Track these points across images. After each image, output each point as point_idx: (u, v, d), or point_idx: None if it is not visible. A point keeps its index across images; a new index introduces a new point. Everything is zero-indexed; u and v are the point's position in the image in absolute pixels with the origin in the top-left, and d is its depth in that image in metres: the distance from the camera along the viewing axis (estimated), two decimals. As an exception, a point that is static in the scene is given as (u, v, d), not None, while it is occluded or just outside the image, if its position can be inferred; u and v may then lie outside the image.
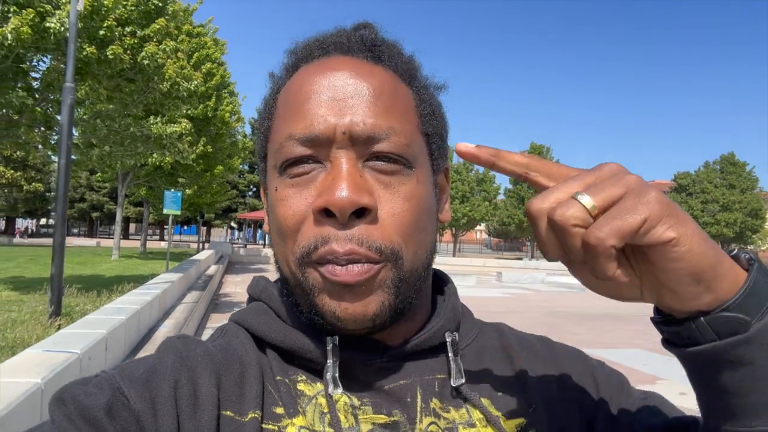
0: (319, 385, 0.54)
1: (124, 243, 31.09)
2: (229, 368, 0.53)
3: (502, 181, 53.56)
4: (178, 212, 15.05)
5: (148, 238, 33.81)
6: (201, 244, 34.89)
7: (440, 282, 0.67)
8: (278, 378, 0.54)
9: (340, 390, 0.52)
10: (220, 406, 0.50)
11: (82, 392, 0.46)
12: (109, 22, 8.85)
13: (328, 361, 0.53)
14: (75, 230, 63.51)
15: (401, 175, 0.52)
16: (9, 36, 8.01)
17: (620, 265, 0.40)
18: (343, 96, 0.51)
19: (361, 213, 0.49)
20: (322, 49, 0.57)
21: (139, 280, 12.38)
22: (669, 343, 0.46)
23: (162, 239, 58.96)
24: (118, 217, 24.00)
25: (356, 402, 0.53)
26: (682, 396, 6.25)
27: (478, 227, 55.39)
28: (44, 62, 9.94)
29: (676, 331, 0.44)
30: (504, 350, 0.63)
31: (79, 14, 7.13)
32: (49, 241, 41.96)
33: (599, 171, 0.42)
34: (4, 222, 54.49)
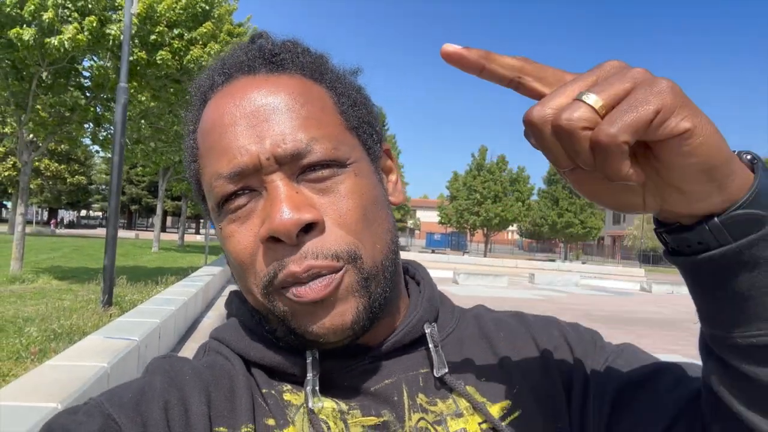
0: (304, 394, 0.53)
1: (162, 236, 31.93)
2: (218, 384, 0.52)
3: (536, 182, 52.93)
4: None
5: (185, 231, 34.61)
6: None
7: (415, 273, 0.66)
8: (264, 390, 0.54)
9: (321, 404, 0.52)
10: (213, 422, 0.49)
11: (72, 421, 0.46)
12: (161, 28, 9.22)
13: (308, 375, 0.52)
14: (114, 222, 65.19)
15: (336, 177, 0.51)
16: (66, 44, 8.44)
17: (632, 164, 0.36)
18: (256, 121, 0.50)
19: (309, 228, 0.48)
20: (225, 75, 0.55)
21: (180, 272, 12.79)
22: (674, 253, 0.43)
23: (198, 233, 60.20)
24: (159, 211, 24.67)
25: (344, 407, 0.53)
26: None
27: (510, 228, 54.92)
28: (95, 61, 10.39)
29: (685, 237, 0.41)
30: (483, 335, 0.63)
31: (133, 18, 7.45)
32: (90, 232, 43.37)
33: (600, 69, 0.38)
34: (47, 213, 56.43)
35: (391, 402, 0.54)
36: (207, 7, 10.36)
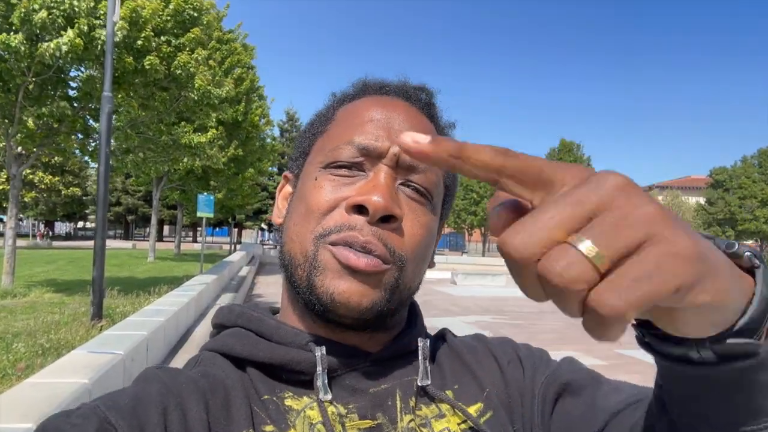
0: (306, 399, 0.56)
1: (159, 245, 31.81)
2: (214, 392, 0.53)
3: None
4: (211, 215, 15.34)
5: (182, 240, 34.53)
6: (233, 246, 35.45)
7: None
8: (265, 397, 0.55)
9: (329, 396, 0.55)
10: (211, 429, 0.50)
11: (67, 424, 0.45)
12: (147, 33, 9.12)
13: (317, 368, 0.56)
14: (111, 233, 65.16)
15: (424, 207, 0.59)
16: (63, 48, 8.33)
17: None
18: (399, 128, 0.59)
19: (387, 220, 0.55)
20: (384, 90, 0.65)
21: (175, 281, 12.67)
22: (649, 347, 0.39)
23: (195, 241, 60.07)
24: (153, 220, 24.57)
25: (342, 410, 0.56)
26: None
27: (507, 226, 54.85)
28: (82, 71, 10.29)
29: (666, 349, 0.37)
30: (452, 351, 0.68)
31: (115, 25, 7.35)
32: (86, 243, 43.20)
33: (599, 190, 0.29)
34: (43, 226, 56.24)
35: (385, 406, 0.57)
36: (195, 14, 10.28)
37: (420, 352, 0.62)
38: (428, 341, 0.64)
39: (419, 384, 0.59)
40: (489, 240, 50.41)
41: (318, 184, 0.58)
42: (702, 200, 42.33)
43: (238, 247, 33.28)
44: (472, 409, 0.61)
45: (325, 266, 0.54)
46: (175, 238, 33.11)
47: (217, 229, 66.87)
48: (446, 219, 0.70)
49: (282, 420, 0.53)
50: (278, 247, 0.64)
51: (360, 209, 0.54)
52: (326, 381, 0.55)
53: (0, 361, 5.45)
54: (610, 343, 9.08)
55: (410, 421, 0.57)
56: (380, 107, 0.61)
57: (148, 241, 37.92)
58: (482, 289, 17.79)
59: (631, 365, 7.54)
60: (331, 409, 0.55)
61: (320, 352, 0.56)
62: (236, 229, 45.93)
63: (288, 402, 0.55)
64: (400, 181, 0.58)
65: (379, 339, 0.62)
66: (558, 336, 9.68)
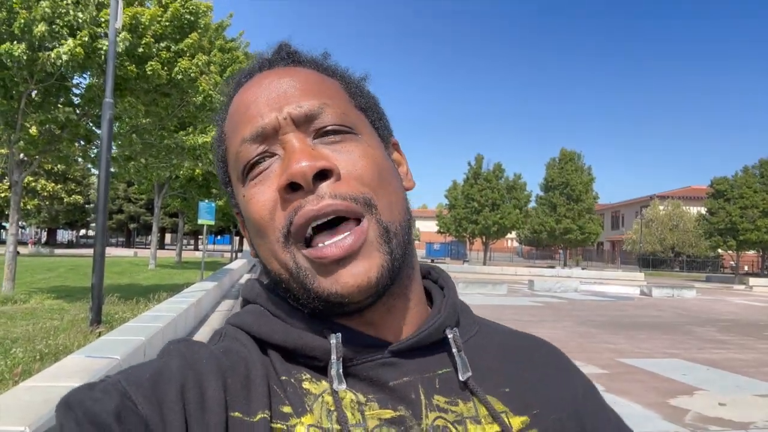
0: (324, 384, 0.54)
1: (160, 253, 31.80)
2: (235, 370, 0.52)
3: (533, 188, 52.89)
4: (212, 222, 15.36)
5: (183, 247, 34.51)
6: (234, 254, 35.41)
7: (439, 279, 0.68)
8: (283, 378, 0.54)
9: (344, 386, 0.52)
10: (228, 408, 0.50)
11: (89, 398, 0.46)
12: (147, 39, 9.18)
13: (332, 357, 0.53)
14: (113, 241, 65.24)
15: (350, 141, 0.55)
16: (64, 57, 8.39)
17: None
18: (276, 94, 0.56)
19: (323, 177, 0.51)
20: (249, 75, 0.62)
21: (175, 288, 12.66)
22: None
23: (196, 249, 60.07)
24: (155, 228, 24.59)
25: (362, 398, 0.53)
26: (721, 407, 6.08)
27: (508, 235, 54.84)
28: (84, 78, 10.36)
29: None
30: (508, 348, 0.63)
31: (117, 32, 7.40)
32: (87, 251, 43.25)
33: None
34: (46, 233, 56.31)
35: (408, 399, 0.54)
36: (192, 18, 10.34)
37: (453, 344, 0.58)
38: (457, 330, 0.59)
39: (460, 378, 0.56)
40: (490, 249, 50.35)
41: (247, 198, 0.55)
42: (703, 210, 42.27)
43: (239, 254, 33.24)
44: (516, 420, 0.56)
45: (309, 269, 0.52)
46: (176, 246, 33.10)
47: (219, 237, 66.94)
48: (389, 137, 0.65)
49: (299, 403, 0.52)
50: (261, 266, 0.61)
51: (292, 187, 0.51)
52: (341, 370, 0.53)
53: (-2, 366, 5.44)
54: (611, 352, 9.02)
55: (437, 417, 0.53)
56: (250, 88, 0.58)
57: (149, 249, 37.96)
58: (483, 298, 17.75)
59: (633, 374, 7.50)
60: (349, 396, 0.53)
61: (335, 339, 0.54)
62: (237, 237, 45.93)
63: (306, 385, 0.54)
64: (312, 136, 0.55)
65: (398, 324, 0.58)
66: (560, 345, 9.46)
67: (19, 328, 7.65)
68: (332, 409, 0.52)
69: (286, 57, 0.62)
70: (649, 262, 50.13)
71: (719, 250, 42.70)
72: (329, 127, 0.55)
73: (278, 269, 0.55)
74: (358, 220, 0.52)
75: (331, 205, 0.51)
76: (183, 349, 0.53)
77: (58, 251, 40.40)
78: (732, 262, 44.35)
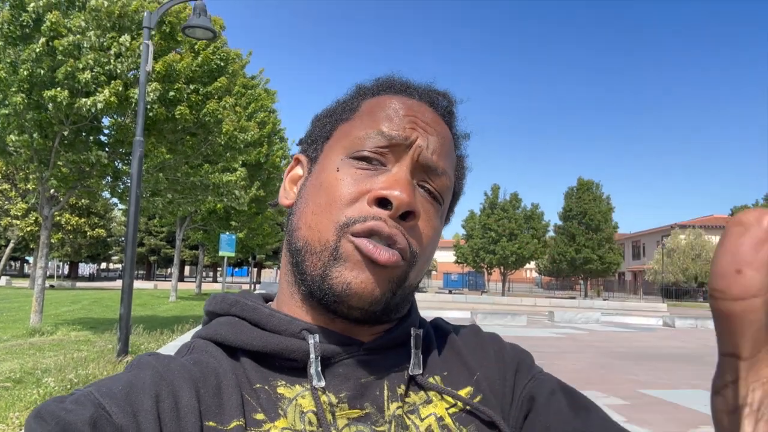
0: (298, 387, 0.56)
1: (180, 285, 32.14)
2: (206, 380, 0.53)
3: (552, 218, 52.57)
4: (233, 254, 15.62)
5: (203, 279, 34.89)
6: (252, 285, 35.66)
7: None
8: (257, 386, 0.56)
9: (323, 383, 0.55)
10: (202, 417, 0.50)
11: (61, 409, 0.45)
12: (179, 85, 9.66)
13: (311, 356, 0.56)
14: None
15: (435, 210, 0.61)
16: (99, 105, 8.87)
17: None
18: (425, 126, 0.60)
19: (406, 217, 0.56)
20: (408, 92, 0.66)
21: (197, 320, 12.85)
22: None
23: (215, 281, 60.49)
24: (176, 260, 24.93)
25: (334, 400, 0.56)
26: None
27: (527, 266, 54.44)
28: (115, 119, 10.84)
29: None
30: (443, 337, 0.69)
31: (148, 74, 7.80)
32: (109, 284, 43.80)
33: None
34: (68, 267, 57.22)
35: (373, 396, 0.58)
36: (222, 64, 10.81)
37: (412, 341, 0.62)
38: (422, 331, 0.64)
39: (410, 373, 0.60)
40: (509, 279, 49.93)
41: (341, 175, 0.58)
42: (726, 239, 41.55)
43: (257, 286, 33.46)
44: (462, 393, 0.61)
45: (347, 257, 0.55)
46: (196, 278, 33.46)
47: (237, 269, 67.40)
48: (448, 221, 0.71)
49: (273, 409, 0.54)
50: (287, 231, 0.63)
51: (383, 202, 0.55)
52: (320, 369, 0.56)
53: (31, 395, 5.63)
54: (632, 383, 8.85)
55: (397, 408, 0.57)
56: (406, 103, 0.62)
57: (169, 281, 38.35)
58: (503, 329, 17.62)
59: (654, 405, 7.43)
60: (323, 398, 0.55)
61: (313, 339, 0.56)
62: (256, 269, 46.21)
63: (280, 390, 0.56)
64: (418, 181, 0.59)
65: (375, 330, 0.62)
66: (580, 376, 9.57)
67: (48, 359, 7.86)
68: (305, 410, 0.54)
69: (444, 109, 0.66)
70: (672, 293, 49.22)
71: (743, 280, 41.75)
72: (432, 190, 0.60)
73: (313, 241, 0.57)
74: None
75: (398, 238, 0.55)
76: (153, 362, 0.54)
77: (79, 284, 41.03)
78: (757, 292, 43.21)
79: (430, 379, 0.62)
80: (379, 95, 0.65)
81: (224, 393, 0.53)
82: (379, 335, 0.62)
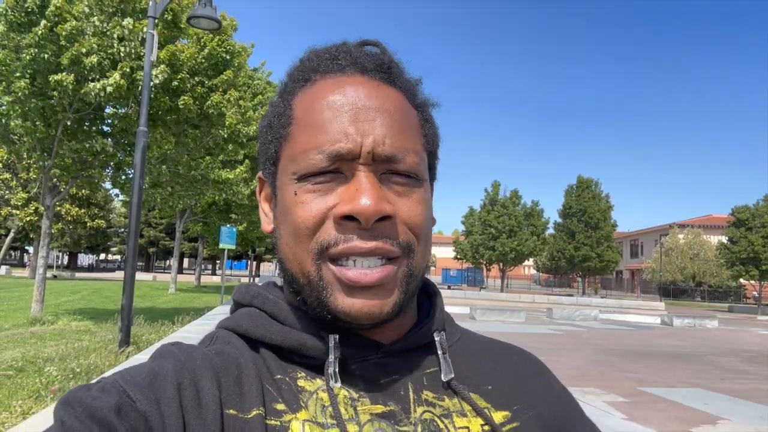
0: (319, 381, 0.56)
1: (180, 277, 32.14)
2: (227, 370, 0.54)
3: (551, 215, 52.61)
4: (233, 246, 15.60)
5: (201, 272, 34.88)
6: (252, 278, 35.70)
7: (428, 288, 0.70)
8: (278, 377, 0.56)
9: (339, 384, 0.55)
10: (223, 405, 0.51)
11: (88, 396, 0.47)
12: (183, 75, 9.62)
13: (329, 357, 0.55)
14: (132, 265, 65.73)
15: (414, 189, 0.57)
16: (108, 89, 8.84)
17: None
18: (365, 117, 0.55)
19: (381, 219, 0.53)
20: (338, 65, 0.59)
21: (196, 312, 12.86)
22: None
23: (214, 273, 60.47)
24: (176, 252, 24.92)
25: (354, 395, 0.56)
26: (745, 436, 6.04)
27: (526, 262, 54.48)
28: (116, 109, 10.80)
29: None
30: (488, 352, 0.67)
31: (152, 65, 7.77)
32: (108, 275, 43.76)
33: None
34: (67, 257, 57.20)
35: (397, 395, 0.57)
36: (227, 57, 10.78)
37: (438, 347, 0.61)
38: (444, 334, 0.63)
39: (443, 379, 0.59)
40: (507, 276, 49.99)
41: (299, 200, 0.55)
42: (724, 239, 41.69)
43: (256, 279, 33.51)
44: (498, 415, 0.60)
45: (332, 285, 0.54)
46: (195, 270, 33.46)
47: (236, 262, 67.47)
48: (435, 178, 0.67)
49: (294, 400, 0.54)
50: (277, 259, 0.61)
51: (350, 217, 0.53)
52: (337, 369, 0.55)
53: (33, 383, 5.64)
54: (632, 381, 8.89)
55: (425, 411, 0.57)
56: (338, 93, 0.57)
57: (168, 273, 38.34)
58: (501, 325, 17.66)
59: (654, 403, 7.46)
60: (343, 392, 0.55)
61: (333, 340, 0.56)
62: (254, 262, 46.24)
63: (301, 383, 0.56)
64: (383, 172, 0.56)
65: (393, 329, 0.60)
66: (579, 373, 9.60)
67: (49, 348, 7.87)
68: (327, 404, 0.54)
69: (380, 68, 0.60)
70: (670, 292, 49.33)
71: (741, 280, 41.94)
72: (402, 172, 0.56)
73: (297, 273, 0.56)
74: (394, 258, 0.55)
75: (380, 248, 0.53)
76: (176, 351, 0.55)
77: (78, 275, 41.01)
78: (755, 293, 43.46)
79: (473, 395, 0.60)
80: (306, 84, 0.60)
81: (245, 383, 0.53)
82: (400, 338, 0.61)
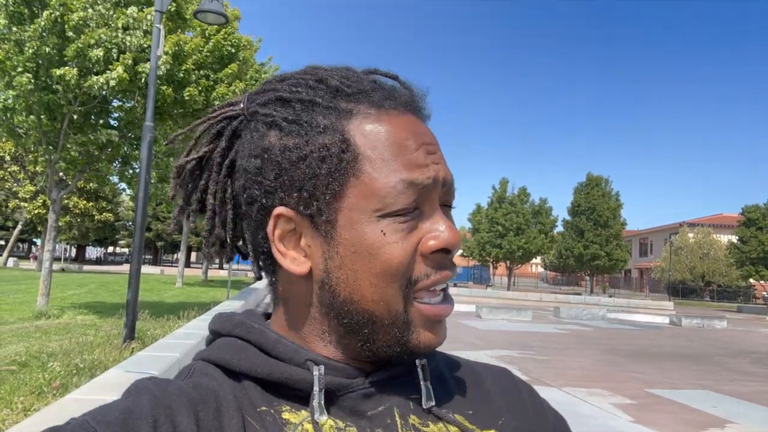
0: (304, 413, 0.55)
1: (186, 271, 32.26)
2: (206, 403, 0.52)
3: (560, 213, 52.40)
4: (240, 242, 15.59)
5: (209, 266, 35.07)
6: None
7: None
8: (262, 408, 0.55)
9: (325, 417, 0.54)
10: None
11: None
12: (187, 66, 9.57)
13: (314, 388, 0.54)
14: (140, 258, 66.18)
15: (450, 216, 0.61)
16: (112, 82, 8.81)
17: None
18: (434, 150, 0.58)
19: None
20: (392, 100, 0.58)
21: (202, 306, 12.87)
22: None
23: (221, 267, 60.29)
24: (183, 246, 25.04)
25: (341, 425, 0.55)
26: (755, 441, 5.95)
27: (533, 261, 54.30)
28: (122, 102, 10.79)
29: None
30: (473, 375, 0.68)
31: (159, 58, 7.73)
32: (115, 268, 44.06)
33: None
34: (75, 250, 57.60)
35: (384, 424, 0.56)
36: (233, 50, 10.74)
37: (420, 373, 0.60)
38: (426, 361, 0.61)
39: (424, 407, 0.58)
40: (514, 274, 49.86)
41: (390, 239, 0.54)
42: (734, 238, 41.35)
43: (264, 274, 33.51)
44: None
45: (416, 322, 0.56)
46: (202, 264, 33.55)
47: (243, 256, 67.67)
48: None
49: None
50: (323, 301, 0.57)
51: (444, 251, 0.56)
52: (323, 401, 0.54)
53: (36, 379, 5.63)
54: (639, 382, 8.82)
55: None
56: (406, 128, 0.57)
57: (175, 267, 38.51)
58: (508, 324, 17.59)
59: (661, 405, 7.37)
60: (329, 423, 0.54)
61: (318, 371, 0.55)
62: (262, 257, 46.30)
63: (285, 415, 0.54)
64: (441, 204, 0.59)
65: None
66: (585, 373, 9.51)
67: (53, 343, 7.88)
68: None
69: (427, 112, 0.63)
70: (679, 291, 49.03)
71: (751, 280, 41.62)
72: (451, 203, 0.61)
73: (380, 313, 0.55)
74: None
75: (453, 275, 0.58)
76: (151, 386, 0.53)
77: (86, 267, 41.28)
78: (764, 293, 43.12)
79: (458, 416, 0.60)
80: (372, 120, 0.56)
81: (224, 416, 0.52)
82: (381, 367, 0.59)
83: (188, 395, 0.52)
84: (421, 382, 0.59)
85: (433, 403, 0.59)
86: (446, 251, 0.56)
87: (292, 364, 0.56)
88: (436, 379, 0.63)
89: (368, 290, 0.55)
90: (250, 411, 0.54)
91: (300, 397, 0.55)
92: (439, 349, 0.67)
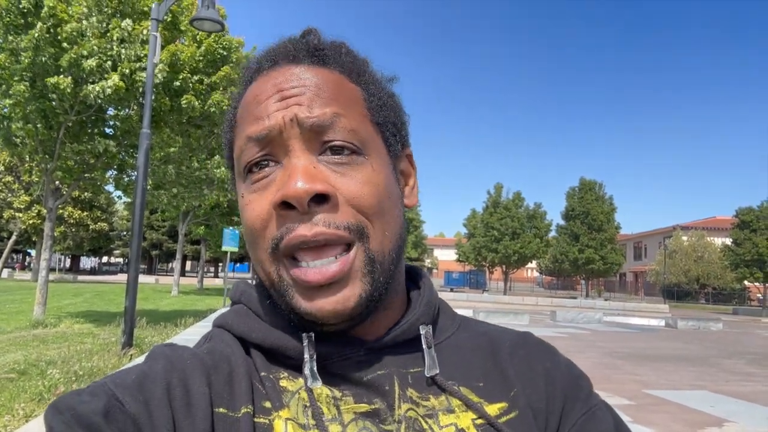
0: (300, 381, 0.55)
1: (181, 280, 32.17)
2: (218, 368, 0.54)
3: (554, 217, 52.57)
4: (237, 249, 15.61)
5: (203, 274, 34.95)
6: (254, 281, 35.66)
7: (416, 277, 0.67)
8: (263, 374, 0.55)
9: (319, 383, 0.54)
10: (213, 404, 0.51)
11: (77, 401, 0.47)
12: (184, 74, 9.61)
13: (305, 356, 0.54)
14: (135, 267, 65.83)
15: (355, 164, 0.54)
16: (108, 91, 8.84)
17: None
18: (289, 94, 0.54)
19: (321, 201, 0.51)
20: (272, 60, 0.58)
21: (198, 314, 12.84)
22: None
23: (216, 276, 60.53)
24: (178, 255, 24.95)
25: (338, 394, 0.55)
26: (753, 439, 5.98)
27: (529, 265, 54.40)
28: (118, 110, 10.80)
29: None
30: (486, 343, 0.64)
31: (156, 66, 7.77)
32: (110, 278, 43.84)
33: None
34: (69, 260, 57.27)
35: (383, 391, 0.55)
36: (224, 53, 10.78)
37: (423, 341, 0.59)
38: (430, 328, 0.60)
39: (426, 375, 0.57)
40: (510, 279, 49.91)
41: (245, 202, 0.55)
42: (728, 241, 41.56)
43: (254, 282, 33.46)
44: (494, 407, 0.57)
45: (291, 287, 0.53)
46: (197, 273, 33.47)
47: (239, 264, 67.47)
48: (402, 149, 0.63)
49: (277, 398, 0.54)
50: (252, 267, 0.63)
51: (287, 205, 0.51)
52: (314, 368, 0.54)
53: (36, 386, 5.62)
54: (637, 384, 8.82)
55: (409, 409, 0.55)
56: (264, 83, 0.56)
57: (170, 276, 38.37)
58: (504, 328, 17.58)
59: (659, 405, 7.41)
60: (326, 392, 0.54)
61: (308, 339, 0.55)
62: (258, 265, 46.21)
63: (283, 383, 0.55)
64: (318, 152, 0.53)
65: (378, 324, 0.59)
66: (583, 375, 9.54)
67: (51, 351, 7.86)
68: (308, 405, 0.53)
69: (311, 52, 0.58)
70: (674, 294, 49.17)
71: (746, 282, 41.83)
72: (337, 143, 0.53)
73: (264, 276, 0.56)
74: (348, 245, 0.52)
75: (323, 234, 0.51)
76: (168, 352, 0.55)
77: (81, 277, 41.05)
78: (759, 295, 43.33)
79: (463, 389, 0.58)
80: (247, 90, 0.59)
81: (235, 380, 0.53)
82: (382, 335, 0.58)
83: (202, 360, 0.54)
84: (425, 350, 0.58)
85: (437, 372, 0.57)
86: (289, 206, 0.51)
87: (285, 332, 0.56)
88: (452, 347, 0.62)
89: (252, 256, 0.56)
90: (257, 376, 0.56)
91: (294, 365, 0.56)
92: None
